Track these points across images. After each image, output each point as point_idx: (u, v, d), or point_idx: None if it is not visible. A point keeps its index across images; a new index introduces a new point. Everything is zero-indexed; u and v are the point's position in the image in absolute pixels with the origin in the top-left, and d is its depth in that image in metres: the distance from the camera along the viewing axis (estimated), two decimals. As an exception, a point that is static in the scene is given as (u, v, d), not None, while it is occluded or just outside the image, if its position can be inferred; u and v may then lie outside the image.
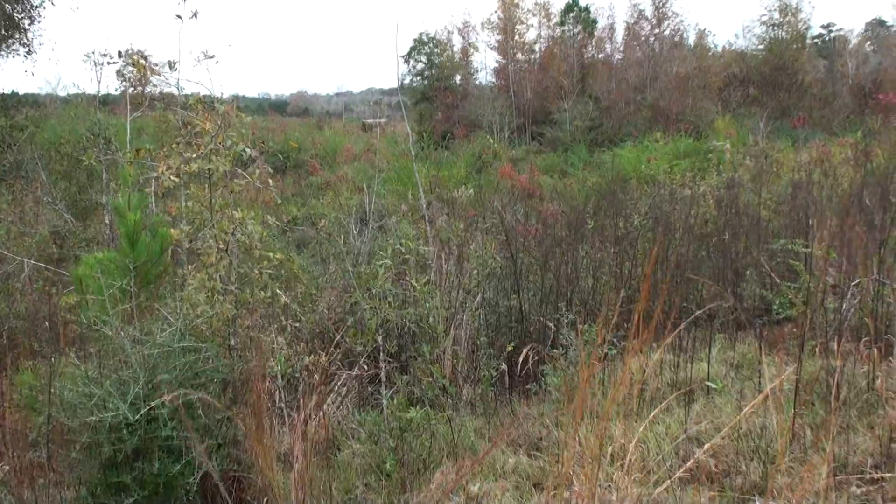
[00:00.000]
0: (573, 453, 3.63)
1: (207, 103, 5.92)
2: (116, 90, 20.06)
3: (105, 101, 19.63)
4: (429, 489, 4.53)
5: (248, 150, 5.78)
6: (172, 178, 5.67)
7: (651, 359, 5.73)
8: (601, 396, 5.21)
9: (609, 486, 4.33)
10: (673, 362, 6.55)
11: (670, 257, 8.03)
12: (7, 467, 5.83)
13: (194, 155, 5.69)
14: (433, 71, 55.99)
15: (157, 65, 8.28)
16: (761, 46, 50.10)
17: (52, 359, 5.89)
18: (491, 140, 39.11)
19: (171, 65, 7.53)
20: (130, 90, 15.49)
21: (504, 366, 6.77)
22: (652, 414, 4.41)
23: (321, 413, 4.73)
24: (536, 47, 56.03)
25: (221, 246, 5.65)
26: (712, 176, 17.55)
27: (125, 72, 19.02)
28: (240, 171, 5.89)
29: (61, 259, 11.54)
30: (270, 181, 5.93)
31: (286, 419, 5.96)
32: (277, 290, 6.09)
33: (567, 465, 3.63)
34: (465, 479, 4.80)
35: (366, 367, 6.47)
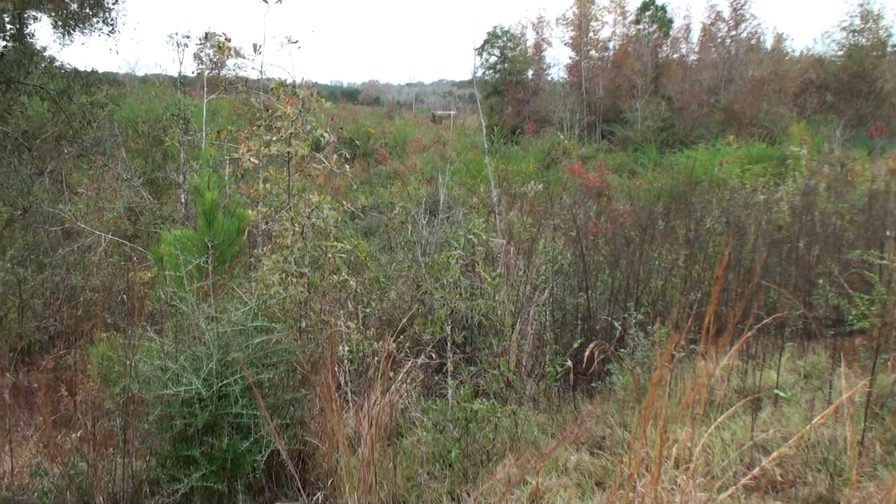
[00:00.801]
0: (638, 454, 3.61)
1: (289, 88, 5.99)
2: (193, 72, 20.36)
3: (181, 83, 19.90)
4: (493, 481, 4.53)
5: (325, 135, 5.84)
6: (252, 160, 5.75)
7: (720, 363, 5.67)
8: (667, 399, 5.17)
9: (673, 489, 4.30)
10: (740, 368, 6.47)
11: (742, 262, 7.93)
12: (78, 434, 6.00)
13: (274, 138, 5.76)
14: (506, 65, 55.86)
15: (239, 49, 8.38)
16: (840, 53, 48.98)
17: (128, 332, 6.01)
18: (561, 136, 38.91)
19: (256, 48, 7.62)
20: (207, 73, 15.70)
21: (569, 362, 6.75)
22: (719, 419, 4.36)
23: (386, 399, 4.76)
24: (610, 45, 55.63)
25: (297, 229, 5.72)
26: (789, 182, 17.27)
27: (202, 54, 19.28)
28: (318, 155, 5.95)
29: (135, 235, 11.78)
30: (347, 167, 5.98)
31: (351, 403, 6.02)
32: (346, 276, 6.14)
33: (632, 466, 3.60)
34: (528, 473, 4.80)
35: (433, 356, 6.50)
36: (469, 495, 4.82)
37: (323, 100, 6.05)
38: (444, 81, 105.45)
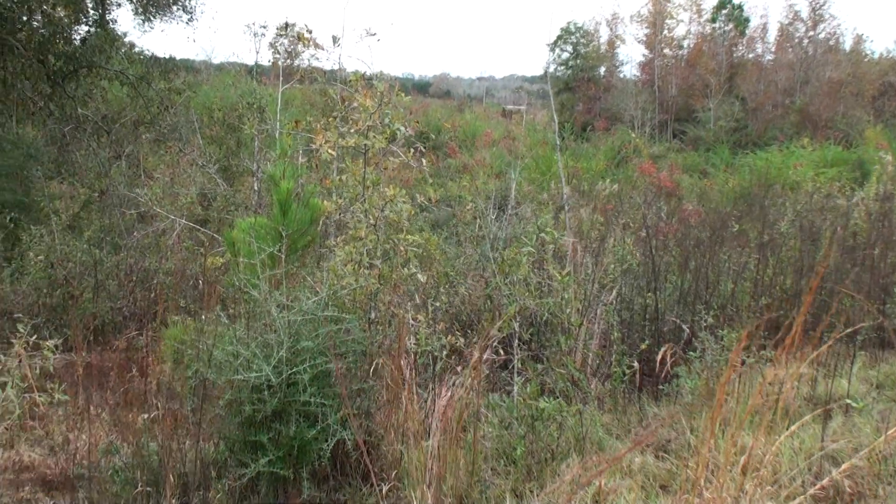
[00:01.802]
0: (705, 459, 3.56)
1: (367, 80, 6.03)
2: (269, 61, 20.58)
3: (255, 72, 20.16)
4: (560, 482, 4.52)
5: (402, 128, 5.86)
6: (330, 151, 5.80)
7: (792, 370, 5.57)
8: (735, 405, 5.10)
9: (739, 496, 4.24)
10: (810, 376, 6.36)
11: (815, 268, 7.78)
12: (150, 415, 6.11)
13: (352, 130, 5.79)
14: (578, 61, 55.53)
15: (317, 40, 8.44)
16: (923, 56, 47.75)
17: (202, 316, 6.11)
18: (632, 135, 38.57)
19: (335, 40, 7.68)
20: (282, 62, 15.87)
21: (636, 364, 6.69)
22: (792, 428, 4.29)
23: (452, 394, 4.77)
24: (685, 43, 54.92)
25: (371, 221, 5.75)
26: (871, 187, 16.90)
27: (277, 44, 19.50)
28: (395, 148, 5.98)
29: (205, 220, 11.95)
30: (424, 160, 6.00)
31: (416, 396, 6.04)
32: (414, 269, 6.16)
33: (699, 471, 3.56)
34: (594, 475, 4.77)
35: (501, 351, 6.49)
36: (533, 493, 4.80)
37: (402, 93, 6.06)
38: (515, 76, 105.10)
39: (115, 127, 15.98)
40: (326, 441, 4.61)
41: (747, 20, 53.49)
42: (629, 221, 11.57)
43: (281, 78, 11.21)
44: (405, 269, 5.94)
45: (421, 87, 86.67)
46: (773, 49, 53.36)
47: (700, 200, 19.76)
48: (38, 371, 6.15)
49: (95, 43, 16.02)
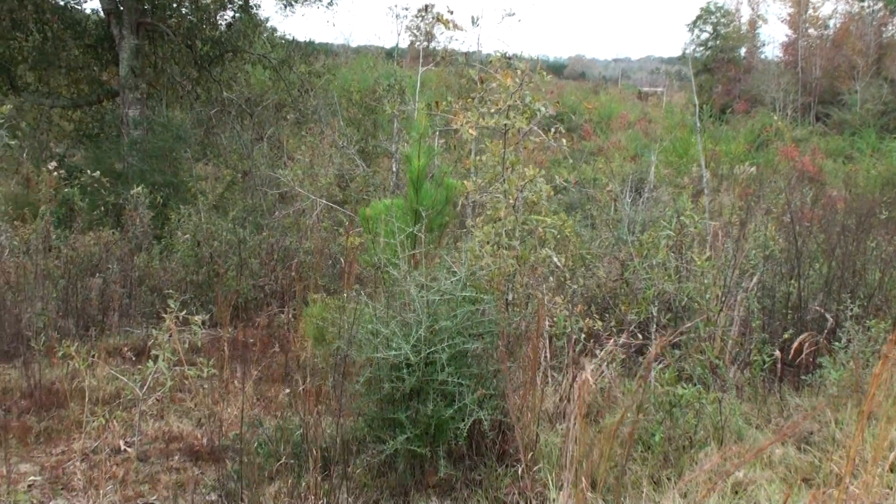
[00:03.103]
0: (852, 454, 3.43)
1: (507, 60, 6.01)
2: (406, 44, 20.77)
3: (395, 54, 20.39)
4: (699, 471, 4.43)
5: (542, 108, 5.82)
6: (470, 131, 5.81)
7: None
8: (884, 399, 4.90)
9: (888, 493, 4.10)
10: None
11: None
12: (290, 390, 6.27)
13: (492, 110, 5.79)
14: (717, 42, 54.12)
15: (456, 21, 8.48)
16: None
17: (340, 294, 6.23)
18: (774, 117, 37.41)
19: (474, 20, 7.68)
20: (420, 44, 15.98)
21: (777, 352, 6.50)
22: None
23: (587, 377, 4.72)
24: (831, 23, 52.81)
25: (510, 201, 5.75)
26: None
27: (414, 27, 19.65)
28: (535, 128, 5.95)
29: (343, 201, 12.15)
30: (564, 141, 5.96)
31: (549, 378, 6.02)
32: (549, 251, 6.13)
33: (847, 466, 3.44)
34: (734, 465, 4.68)
35: (640, 336, 6.41)
36: (670, 480, 4.74)
37: (544, 73, 6.03)
38: (652, 58, 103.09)
39: (257, 110, 16.44)
40: (463, 420, 4.64)
41: (898, -1, 51.13)
42: (770, 206, 11.24)
43: (421, 59, 11.31)
44: (543, 251, 5.91)
45: (556, 69, 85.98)
46: (926, 28, 50.85)
47: (845, 186, 19.06)
48: (186, 345, 6.38)
49: (240, 28, 16.51)
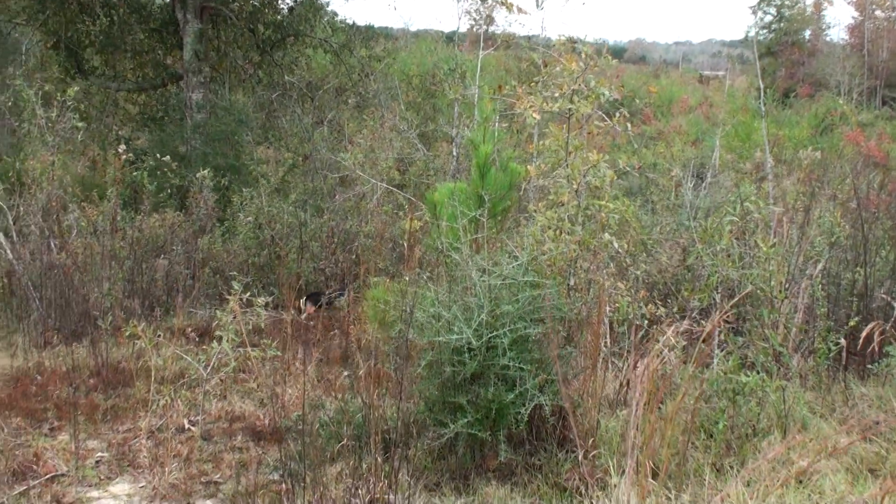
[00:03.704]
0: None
1: (572, 44, 5.98)
2: (469, 28, 20.73)
3: (456, 38, 20.36)
4: (763, 459, 4.38)
5: (606, 92, 5.78)
6: (534, 115, 5.79)
7: None
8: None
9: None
10: None
11: None
12: (352, 373, 6.33)
13: (556, 94, 5.76)
14: (781, 24, 53.14)
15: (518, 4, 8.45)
16: None
17: (401, 278, 6.25)
18: (838, 101, 36.67)
19: (538, 3, 7.65)
20: (481, 28, 15.96)
21: (843, 341, 6.40)
22: None
23: (650, 363, 4.69)
24: (900, 4, 51.59)
25: (574, 186, 5.72)
26: None
27: (473, 10, 19.58)
28: (600, 112, 5.91)
29: (402, 185, 12.18)
30: (629, 125, 5.92)
31: (610, 364, 6.00)
32: (609, 236, 6.09)
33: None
34: (794, 453, 4.62)
35: (703, 323, 6.34)
36: (733, 469, 4.70)
37: (609, 57, 5.98)
38: (714, 41, 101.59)
39: (318, 93, 16.54)
40: (524, 405, 4.64)
41: (972, -22, 49.74)
42: (836, 192, 11.05)
43: (482, 43, 11.28)
44: (605, 236, 5.88)
45: (615, 53, 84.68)
46: None
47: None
48: (248, 327, 6.46)
49: (301, 12, 16.59)
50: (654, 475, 4.20)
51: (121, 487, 5.09)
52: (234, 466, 5.30)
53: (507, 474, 4.84)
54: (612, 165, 6.14)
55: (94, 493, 5.00)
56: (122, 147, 9.42)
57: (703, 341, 5.83)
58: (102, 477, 5.23)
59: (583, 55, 5.82)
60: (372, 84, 16.41)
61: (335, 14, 18.12)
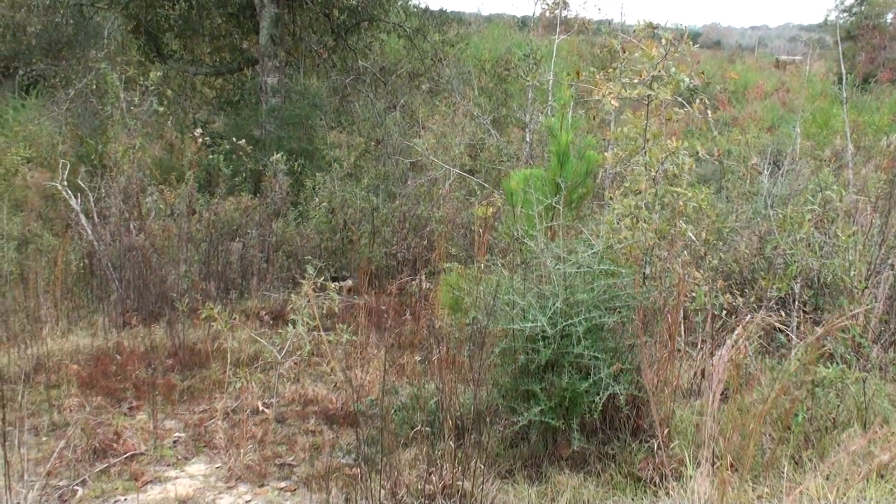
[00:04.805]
0: None
1: (652, 30, 5.90)
2: (538, 13, 20.59)
3: (531, 22, 20.22)
4: (844, 453, 4.30)
5: (686, 79, 5.70)
6: (613, 102, 5.73)
7: None
8: None
9: None
10: None
11: None
12: (425, 359, 6.36)
13: (635, 80, 5.70)
14: (863, 7, 51.77)
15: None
16: None
17: (480, 264, 6.25)
18: (922, 86, 35.67)
19: (616, -11, 7.55)
20: (555, 13, 15.82)
21: (926, 332, 6.25)
22: None
23: (726, 353, 4.63)
24: None
25: (652, 174, 5.66)
26: None
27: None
28: (680, 99, 5.83)
29: (473, 171, 12.15)
30: (710, 112, 5.82)
31: (685, 354, 5.93)
32: (684, 225, 6.01)
33: None
34: (875, 447, 4.53)
35: (782, 312, 6.23)
36: (811, 461, 4.61)
37: (690, 42, 5.89)
38: (791, 25, 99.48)
39: (391, 78, 16.58)
40: (598, 394, 4.61)
41: None
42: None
43: (558, 28, 11.18)
44: (682, 224, 5.80)
45: (690, 38, 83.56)
46: None
47: None
48: (322, 311, 6.52)
49: (376, -3, 16.66)
50: (731, 466, 4.15)
51: (197, 468, 5.18)
52: (308, 449, 5.35)
53: (580, 463, 4.82)
54: (690, 152, 6.04)
55: (172, 473, 5.10)
56: (199, 130, 9.54)
57: (781, 332, 5.75)
58: (180, 457, 5.33)
59: (663, 41, 5.74)
60: (445, 69, 16.39)
61: (409, -1, 18.15)
